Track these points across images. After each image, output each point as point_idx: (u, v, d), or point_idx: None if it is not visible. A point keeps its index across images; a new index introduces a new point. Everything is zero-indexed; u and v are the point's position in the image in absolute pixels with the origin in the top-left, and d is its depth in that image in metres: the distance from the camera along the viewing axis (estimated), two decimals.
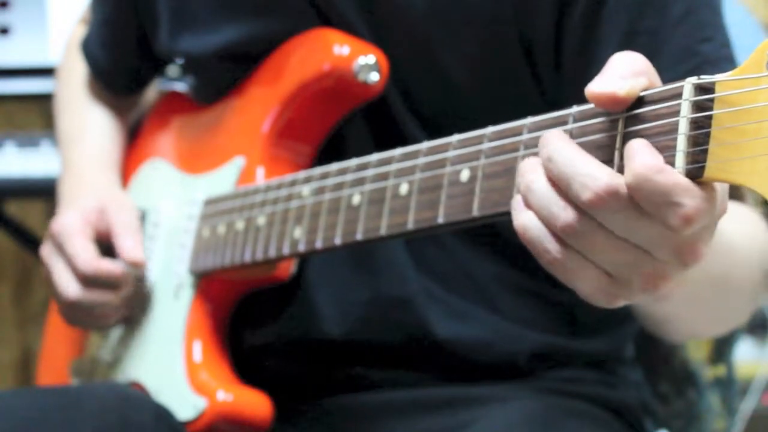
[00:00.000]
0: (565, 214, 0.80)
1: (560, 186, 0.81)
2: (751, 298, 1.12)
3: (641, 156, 0.77)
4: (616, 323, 1.27)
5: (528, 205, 0.83)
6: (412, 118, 1.19)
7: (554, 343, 1.23)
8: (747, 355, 2.64)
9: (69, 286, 1.27)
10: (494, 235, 1.20)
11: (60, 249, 1.29)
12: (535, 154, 0.85)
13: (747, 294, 1.11)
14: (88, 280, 1.26)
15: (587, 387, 1.23)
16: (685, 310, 1.09)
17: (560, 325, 1.23)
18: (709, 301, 1.08)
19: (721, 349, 1.57)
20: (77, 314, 1.29)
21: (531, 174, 0.83)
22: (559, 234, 0.81)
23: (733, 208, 1.04)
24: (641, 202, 0.77)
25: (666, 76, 0.82)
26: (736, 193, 1.08)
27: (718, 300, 1.09)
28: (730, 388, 1.57)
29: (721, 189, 0.79)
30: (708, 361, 1.55)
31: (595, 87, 0.80)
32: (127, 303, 1.29)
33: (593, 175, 0.78)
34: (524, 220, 0.83)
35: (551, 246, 0.82)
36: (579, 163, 0.79)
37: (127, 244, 1.28)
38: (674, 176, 0.76)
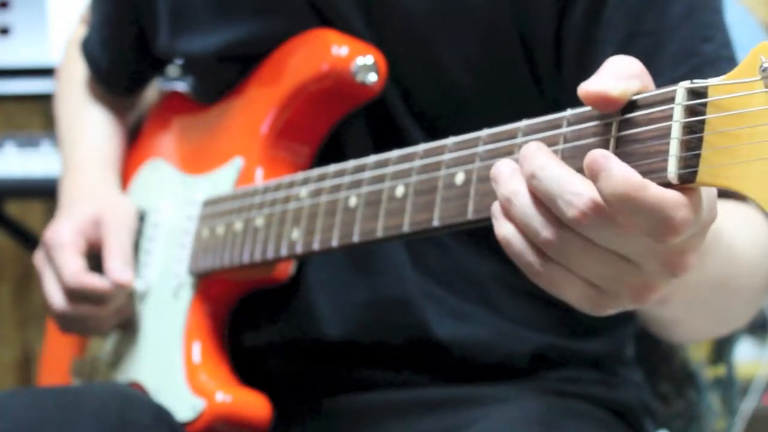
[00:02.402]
0: (546, 231, 0.80)
1: (544, 203, 0.80)
2: (754, 299, 1.12)
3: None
4: (616, 324, 1.27)
5: (508, 216, 0.83)
6: (411, 119, 1.19)
7: (554, 344, 1.23)
8: (747, 355, 2.63)
9: (56, 298, 1.28)
10: (493, 236, 1.20)
11: (50, 259, 1.29)
12: None
13: (750, 296, 1.11)
14: (74, 294, 1.26)
15: (587, 387, 1.23)
16: (686, 313, 1.09)
17: (560, 325, 1.23)
18: (712, 303, 1.07)
19: (721, 349, 1.57)
20: (68, 323, 1.30)
21: (510, 184, 0.83)
22: (540, 248, 0.82)
23: (736, 208, 1.04)
24: (622, 218, 0.77)
25: (666, 77, 0.82)
26: (737, 193, 1.07)
27: (721, 302, 1.09)
28: (730, 388, 1.57)
29: (709, 196, 0.79)
30: (708, 361, 1.55)
31: (588, 86, 0.80)
32: (118, 314, 1.30)
33: (578, 193, 0.78)
34: (506, 232, 0.84)
35: (534, 260, 0.82)
36: (564, 181, 0.79)
37: (115, 265, 1.27)
38: (656, 191, 0.75)
